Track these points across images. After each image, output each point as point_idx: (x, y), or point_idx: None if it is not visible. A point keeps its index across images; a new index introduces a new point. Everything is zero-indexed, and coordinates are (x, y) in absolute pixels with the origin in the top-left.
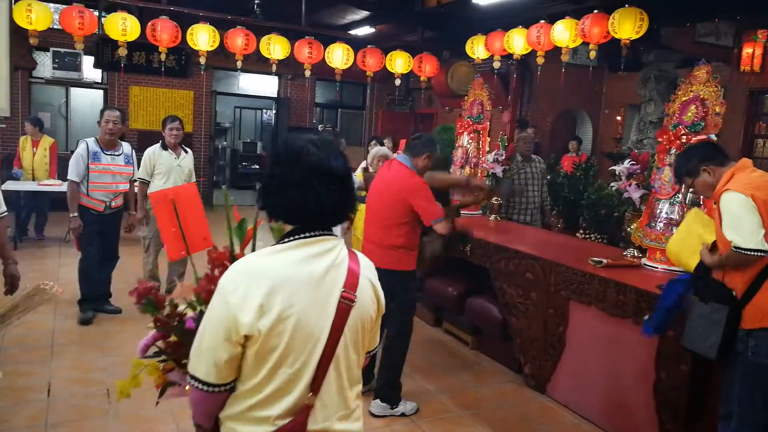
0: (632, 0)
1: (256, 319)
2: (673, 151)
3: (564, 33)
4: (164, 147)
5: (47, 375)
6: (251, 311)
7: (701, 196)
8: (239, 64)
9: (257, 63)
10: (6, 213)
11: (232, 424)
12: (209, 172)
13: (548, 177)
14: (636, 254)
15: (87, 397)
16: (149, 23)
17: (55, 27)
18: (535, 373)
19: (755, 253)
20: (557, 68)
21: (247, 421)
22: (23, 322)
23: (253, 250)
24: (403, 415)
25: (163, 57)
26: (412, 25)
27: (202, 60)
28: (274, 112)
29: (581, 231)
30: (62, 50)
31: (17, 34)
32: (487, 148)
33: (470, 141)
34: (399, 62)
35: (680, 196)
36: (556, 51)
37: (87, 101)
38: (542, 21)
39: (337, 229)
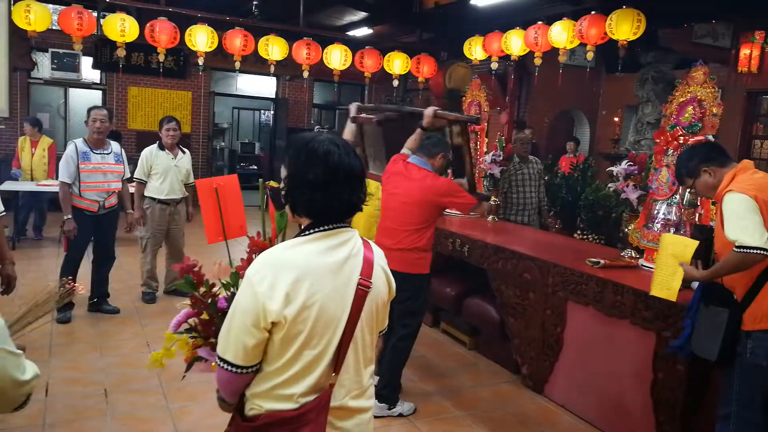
0: (629, 1)
1: (283, 307)
2: (670, 152)
3: (561, 34)
4: (161, 147)
5: (45, 375)
6: (278, 300)
7: (699, 197)
8: (237, 65)
9: (255, 64)
10: (4, 213)
11: (258, 401)
12: (207, 173)
13: (545, 178)
14: (633, 255)
15: (85, 397)
16: (148, 24)
17: (54, 28)
18: (532, 374)
19: (758, 252)
20: (555, 69)
21: (273, 399)
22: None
23: (283, 239)
24: (400, 415)
25: (161, 58)
26: (410, 26)
27: (201, 61)
28: (272, 112)
29: (579, 232)
30: (61, 51)
31: (16, 34)
32: (485, 149)
33: None
34: (397, 63)
35: (677, 197)
36: (553, 52)
37: (86, 102)
38: (540, 22)
39: None
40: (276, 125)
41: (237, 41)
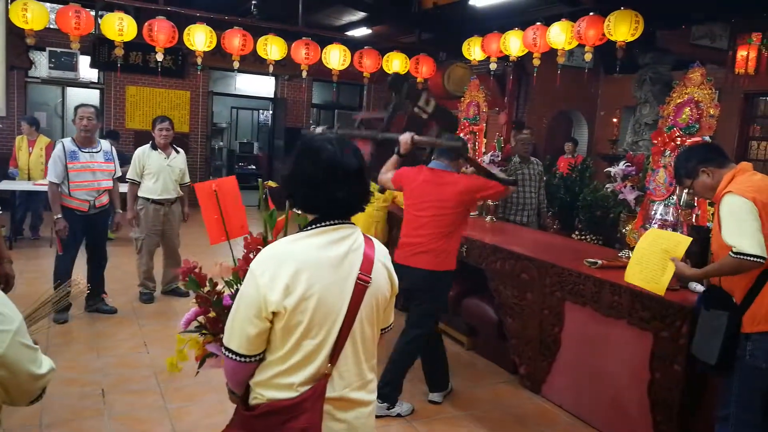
0: (628, 2)
1: (283, 298)
2: (667, 152)
3: (560, 35)
4: (154, 147)
5: None
6: (278, 291)
7: (696, 198)
8: (236, 64)
9: (254, 63)
10: (0, 212)
11: (260, 389)
12: (205, 173)
13: (545, 179)
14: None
15: (82, 397)
16: (146, 23)
17: (52, 27)
18: (530, 374)
19: (753, 259)
20: (553, 70)
21: (273, 387)
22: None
23: (285, 236)
24: (398, 415)
25: (159, 57)
26: (409, 27)
27: (199, 60)
28: (270, 112)
29: (577, 232)
30: (58, 50)
31: (13, 33)
32: (484, 150)
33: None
34: (396, 63)
35: (675, 197)
36: (552, 53)
37: (84, 101)
38: (538, 23)
39: None
40: (275, 125)
41: (236, 41)
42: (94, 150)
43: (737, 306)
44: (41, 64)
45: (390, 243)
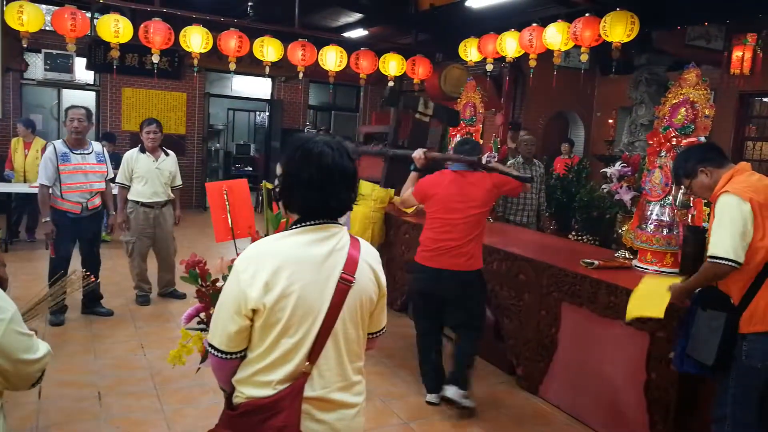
0: (623, 3)
1: (262, 295)
2: (663, 153)
3: (556, 36)
4: (142, 150)
5: None
6: (258, 287)
7: (692, 198)
8: (232, 66)
9: (250, 65)
10: None
11: (241, 387)
12: (202, 174)
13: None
14: (627, 256)
15: (78, 400)
16: (142, 25)
17: (47, 28)
18: (527, 374)
19: (726, 263)
20: (549, 71)
21: (253, 385)
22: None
23: None
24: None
25: (156, 59)
26: (405, 28)
27: (195, 62)
28: (267, 114)
29: (573, 233)
30: (54, 52)
31: (9, 35)
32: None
33: None
34: (392, 65)
35: (670, 198)
36: (548, 54)
37: (79, 103)
38: (534, 24)
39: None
40: (271, 127)
41: (232, 42)
42: (85, 151)
43: (735, 307)
44: (37, 66)
45: (387, 245)
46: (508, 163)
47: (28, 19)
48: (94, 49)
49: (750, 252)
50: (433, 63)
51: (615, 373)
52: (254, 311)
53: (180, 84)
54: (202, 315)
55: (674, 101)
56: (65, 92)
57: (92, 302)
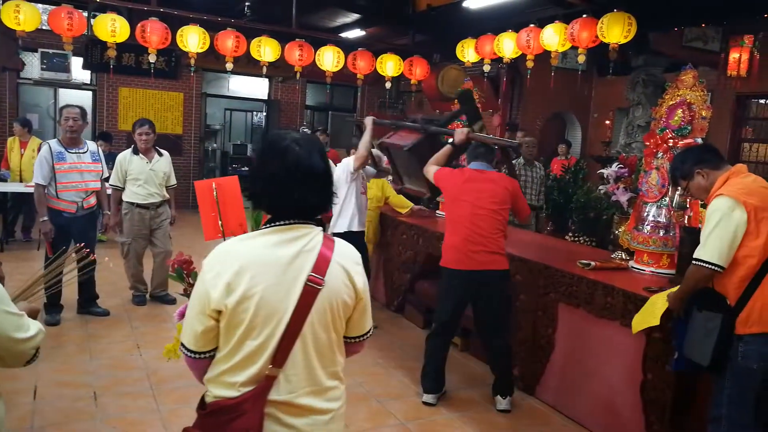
0: (621, 5)
1: (224, 296)
2: (660, 154)
3: (553, 37)
4: (135, 151)
5: (34, 378)
6: (220, 288)
7: (688, 200)
8: (229, 66)
9: (247, 65)
10: None
11: (210, 386)
12: (199, 174)
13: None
14: (624, 257)
15: (74, 400)
16: (139, 24)
17: (44, 28)
18: (523, 375)
19: (708, 266)
20: (547, 72)
21: (219, 385)
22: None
23: None
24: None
25: (152, 59)
26: (402, 29)
27: (192, 62)
28: (264, 114)
29: (570, 234)
30: (51, 51)
31: (5, 34)
32: None
33: None
34: (389, 65)
35: (667, 199)
36: (545, 55)
37: (76, 102)
38: (532, 25)
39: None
40: (268, 127)
41: (229, 42)
42: (80, 150)
43: (731, 308)
44: (33, 65)
45: (383, 245)
46: None
47: (24, 19)
48: (90, 48)
49: (744, 253)
50: (430, 63)
51: (611, 374)
52: (218, 312)
53: (177, 84)
54: None
55: (671, 103)
56: (62, 92)
57: (88, 302)
